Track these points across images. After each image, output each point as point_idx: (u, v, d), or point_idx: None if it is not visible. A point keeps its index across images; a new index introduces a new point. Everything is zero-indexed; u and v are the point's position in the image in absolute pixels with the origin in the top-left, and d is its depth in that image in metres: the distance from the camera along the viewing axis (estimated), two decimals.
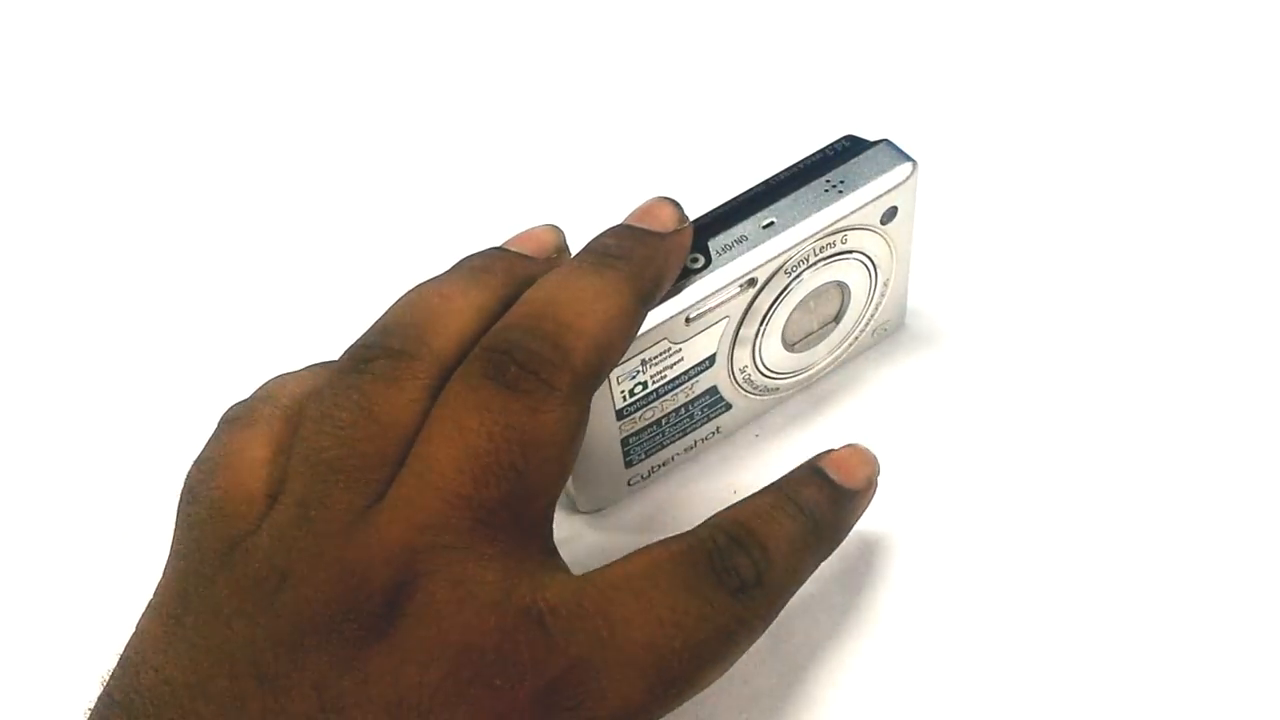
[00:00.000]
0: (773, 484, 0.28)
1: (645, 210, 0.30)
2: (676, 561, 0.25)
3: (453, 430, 0.24)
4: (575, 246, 0.30)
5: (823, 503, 0.27)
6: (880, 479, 0.30)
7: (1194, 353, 0.36)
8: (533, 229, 0.30)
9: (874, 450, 0.30)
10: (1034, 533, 0.33)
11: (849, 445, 0.29)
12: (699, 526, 0.26)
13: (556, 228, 0.30)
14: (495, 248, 0.30)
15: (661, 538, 0.33)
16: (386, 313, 0.27)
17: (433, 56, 0.49)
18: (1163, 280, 0.38)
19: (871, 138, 0.33)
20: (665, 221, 0.29)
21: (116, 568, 0.34)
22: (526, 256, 0.29)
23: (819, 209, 0.31)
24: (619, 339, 0.27)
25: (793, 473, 0.28)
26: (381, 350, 0.26)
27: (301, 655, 0.22)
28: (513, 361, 0.25)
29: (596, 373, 0.26)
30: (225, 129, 0.48)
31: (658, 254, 0.29)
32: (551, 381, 0.25)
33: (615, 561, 0.25)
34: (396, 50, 0.50)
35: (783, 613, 0.31)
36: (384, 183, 0.45)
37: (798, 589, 0.27)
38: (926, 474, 0.34)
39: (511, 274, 0.28)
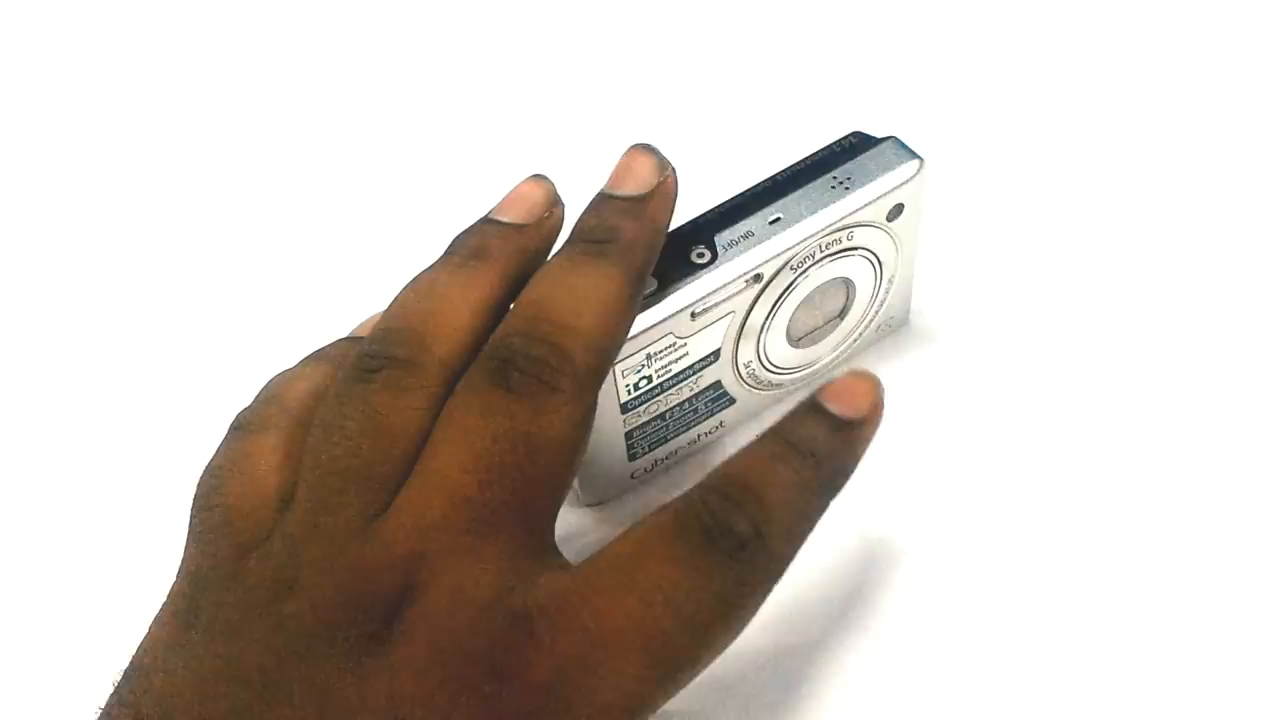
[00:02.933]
0: (769, 429, 0.25)
1: (624, 168, 0.29)
2: (663, 534, 0.23)
3: (458, 435, 0.24)
4: None
5: (824, 438, 0.25)
6: (888, 449, 0.27)
7: (1198, 353, 0.36)
8: (519, 188, 0.29)
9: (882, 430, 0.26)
10: (1037, 531, 0.33)
11: (849, 372, 0.26)
12: (690, 489, 0.24)
13: (542, 179, 0.29)
14: (486, 220, 0.29)
15: None
16: (386, 314, 0.27)
17: (432, 52, 0.49)
18: (1168, 280, 0.38)
19: (879, 134, 0.33)
20: (645, 178, 0.28)
21: (128, 570, 0.33)
22: (519, 226, 0.29)
23: (825, 205, 0.31)
24: (618, 329, 0.27)
25: (790, 412, 0.26)
26: (387, 360, 0.26)
27: (306, 664, 0.22)
28: (515, 368, 0.25)
29: (599, 368, 0.26)
30: (223, 131, 0.48)
31: (644, 221, 0.28)
32: (554, 384, 0.25)
33: (606, 545, 0.24)
34: (399, 47, 0.50)
35: (781, 612, 0.31)
36: (383, 179, 0.45)
37: (807, 537, 0.25)
38: (929, 472, 0.34)
39: (506, 253, 0.28)
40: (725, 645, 0.24)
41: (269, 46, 0.51)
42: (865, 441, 0.26)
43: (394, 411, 0.25)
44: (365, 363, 0.26)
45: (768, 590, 0.24)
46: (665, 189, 0.29)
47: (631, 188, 0.29)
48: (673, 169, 0.29)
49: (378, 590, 0.23)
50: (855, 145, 0.33)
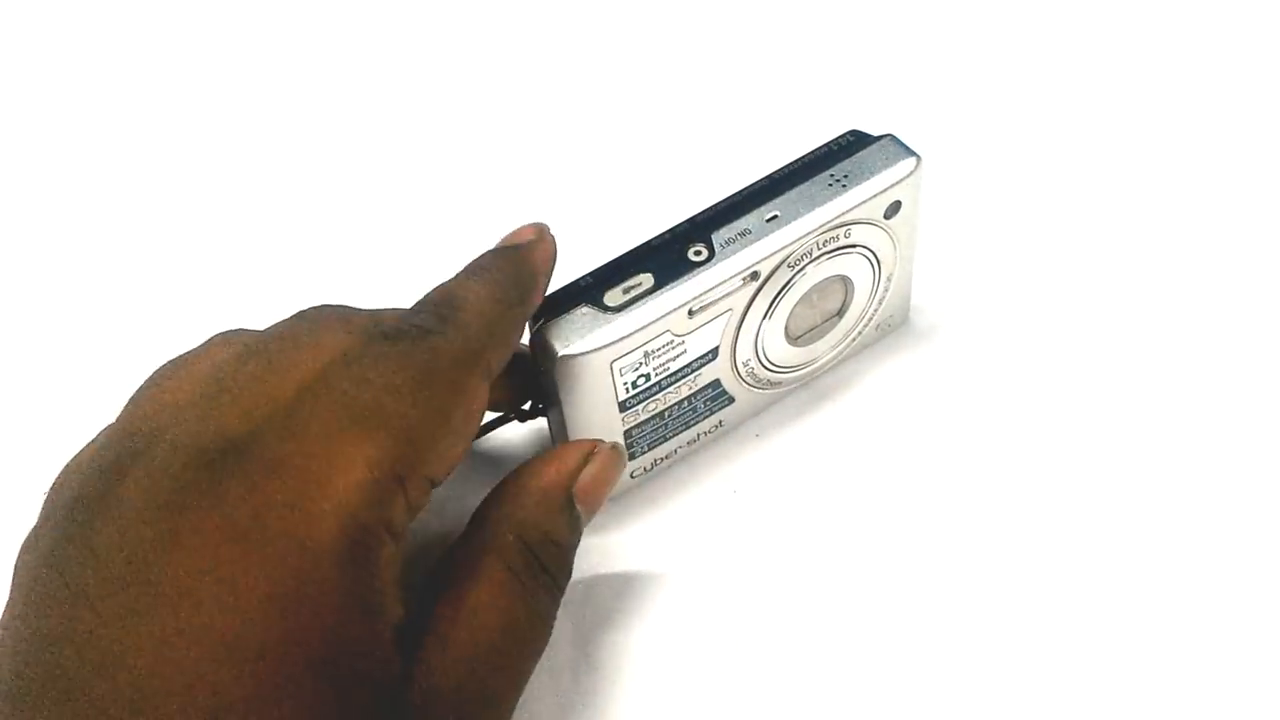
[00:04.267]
0: None
1: (511, 234, 0.32)
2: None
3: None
4: (574, 244, 0.31)
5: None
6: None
7: (1196, 351, 0.36)
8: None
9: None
10: (1037, 529, 0.33)
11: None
12: None
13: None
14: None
15: (662, 533, 0.34)
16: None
17: (433, 56, 0.49)
18: (1167, 278, 0.38)
19: (875, 132, 0.33)
20: (527, 236, 0.31)
21: None
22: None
23: (822, 203, 0.31)
24: (501, 313, 0.28)
25: None
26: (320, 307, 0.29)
27: (63, 547, 0.24)
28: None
29: (482, 330, 0.28)
30: (219, 133, 0.48)
31: (525, 257, 0.30)
32: (426, 326, 0.27)
33: None
34: (396, 52, 0.50)
35: (780, 611, 0.32)
36: (384, 186, 0.45)
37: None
38: (928, 472, 0.34)
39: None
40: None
41: (270, 55, 0.51)
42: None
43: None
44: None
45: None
46: (545, 245, 0.31)
47: (515, 240, 0.31)
48: (551, 236, 0.31)
49: (103, 459, 0.25)
50: (852, 143, 0.33)
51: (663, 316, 0.30)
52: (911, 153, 0.32)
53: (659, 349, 0.31)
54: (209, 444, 0.24)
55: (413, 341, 0.26)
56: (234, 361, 0.26)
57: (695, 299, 0.30)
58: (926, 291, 0.37)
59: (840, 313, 0.35)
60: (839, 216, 0.31)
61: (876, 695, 0.30)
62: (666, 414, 0.33)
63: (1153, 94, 0.44)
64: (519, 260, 0.30)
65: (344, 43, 0.51)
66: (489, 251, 0.30)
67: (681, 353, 0.31)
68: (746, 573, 0.33)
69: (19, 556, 0.25)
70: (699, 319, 0.31)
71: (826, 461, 0.35)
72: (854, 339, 0.36)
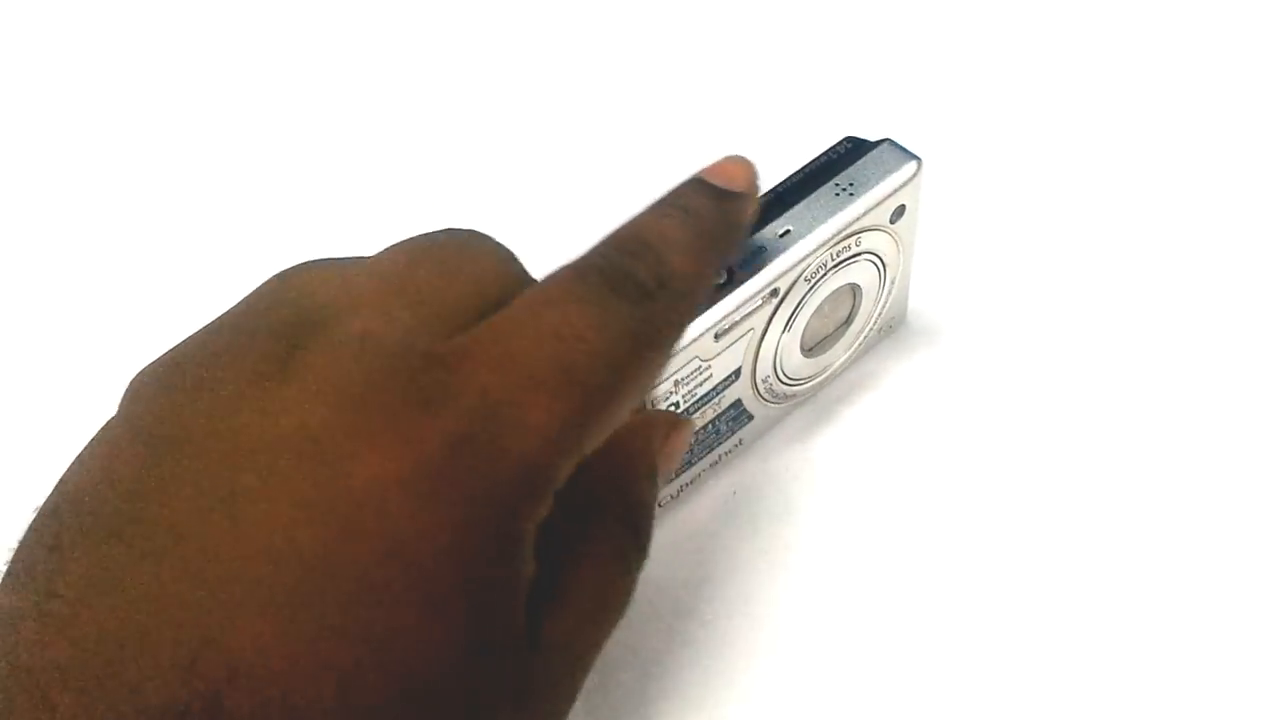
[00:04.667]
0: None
1: (721, 170, 0.28)
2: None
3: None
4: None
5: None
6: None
7: (1194, 350, 0.37)
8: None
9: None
10: (1035, 530, 0.33)
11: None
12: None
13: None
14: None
15: (662, 535, 0.33)
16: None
17: (431, 56, 0.48)
18: (1164, 277, 0.39)
19: (868, 138, 0.33)
20: (740, 184, 0.28)
21: None
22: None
23: (833, 213, 0.31)
24: (705, 283, 0.26)
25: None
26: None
27: (202, 399, 0.22)
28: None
29: (690, 305, 0.26)
30: (217, 131, 0.46)
31: (738, 216, 0.27)
32: (645, 287, 0.25)
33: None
34: (394, 48, 0.48)
35: (779, 612, 0.32)
36: (388, 188, 0.43)
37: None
38: (927, 471, 0.34)
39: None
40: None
41: (286, 70, 0.48)
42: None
43: None
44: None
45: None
46: (753, 199, 0.28)
47: (724, 182, 0.28)
48: (758, 194, 0.28)
49: (273, 319, 0.23)
50: (851, 150, 0.32)
51: (690, 343, 0.29)
52: (912, 156, 0.32)
53: (687, 376, 0.30)
54: (404, 348, 0.22)
55: (633, 305, 0.24)
56: (393, 259, 0.25)
57: (720, 322, 0.30)
58: (923, 292, 0.37)
59: (848, 319, 0.34)
60: (850, 225, 0.31)
61: (877, 698, 0.30)
62: (694, 439, 0.32)
63: (1149, 94, 0.44)
64: (732, 218, 0.27)
65: (344, 41, 0.48)
66: (703, 193, 0.27)
67: (708, 377, 0.31)
68: (745, 573, 0.33)
69: (135, 386, 0.23)
70: (724, 341, 0.30)
71: (825, 462, 0.35)
72: (860, 343, 0.36)
